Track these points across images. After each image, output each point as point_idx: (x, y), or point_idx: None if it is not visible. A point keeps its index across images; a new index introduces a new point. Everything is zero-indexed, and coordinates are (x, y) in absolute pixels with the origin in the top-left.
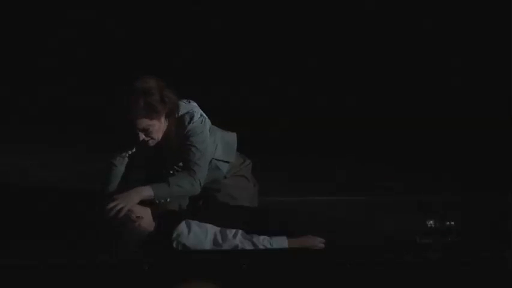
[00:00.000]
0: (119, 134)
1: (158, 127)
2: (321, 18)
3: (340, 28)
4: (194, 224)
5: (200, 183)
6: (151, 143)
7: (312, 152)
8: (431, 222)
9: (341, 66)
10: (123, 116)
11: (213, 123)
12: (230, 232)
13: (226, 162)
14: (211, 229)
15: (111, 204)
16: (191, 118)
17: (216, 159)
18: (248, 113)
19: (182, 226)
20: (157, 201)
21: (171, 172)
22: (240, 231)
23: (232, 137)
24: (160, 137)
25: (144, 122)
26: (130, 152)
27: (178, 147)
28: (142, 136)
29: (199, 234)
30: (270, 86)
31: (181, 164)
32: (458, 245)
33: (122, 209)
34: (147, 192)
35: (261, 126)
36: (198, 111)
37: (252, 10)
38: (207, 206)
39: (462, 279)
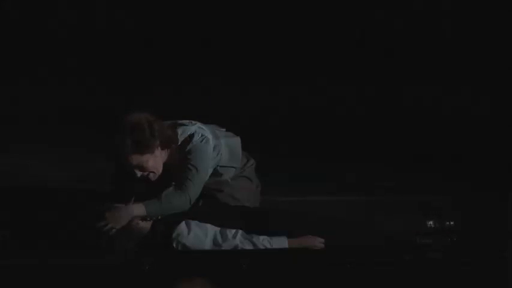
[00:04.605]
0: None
1: (154, 161)
2: (320, 18)
3: (340, 28)
4: (194, 224)
5: (190, 200)
6: (153, 176)
7: (312, 152)
8: (431, 222)
9: (341, 65)
10: (116, 154)
11: (213, 122)
12: (230, 232)
13: (232, 167)
14: (211, 229)
15: (101, 223)
16: (191, 138)
17: (221, 166)
18: (248, 113)
19: (182, 226)
20: (148, 219)
21: None
22: (240, 231)
23: (236, 142)
24: (161, 169)
25: (136, 159)
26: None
27: (179, 168)
28: (138, 173)
29: (199, 234)
30: (269, 86)
31: None
32: (458, 245)
33: (110, 229)
34: (139, 210)
35: (261, 125)
36: (199, 132)
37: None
38: (208, 206)
39: (462, 279)
